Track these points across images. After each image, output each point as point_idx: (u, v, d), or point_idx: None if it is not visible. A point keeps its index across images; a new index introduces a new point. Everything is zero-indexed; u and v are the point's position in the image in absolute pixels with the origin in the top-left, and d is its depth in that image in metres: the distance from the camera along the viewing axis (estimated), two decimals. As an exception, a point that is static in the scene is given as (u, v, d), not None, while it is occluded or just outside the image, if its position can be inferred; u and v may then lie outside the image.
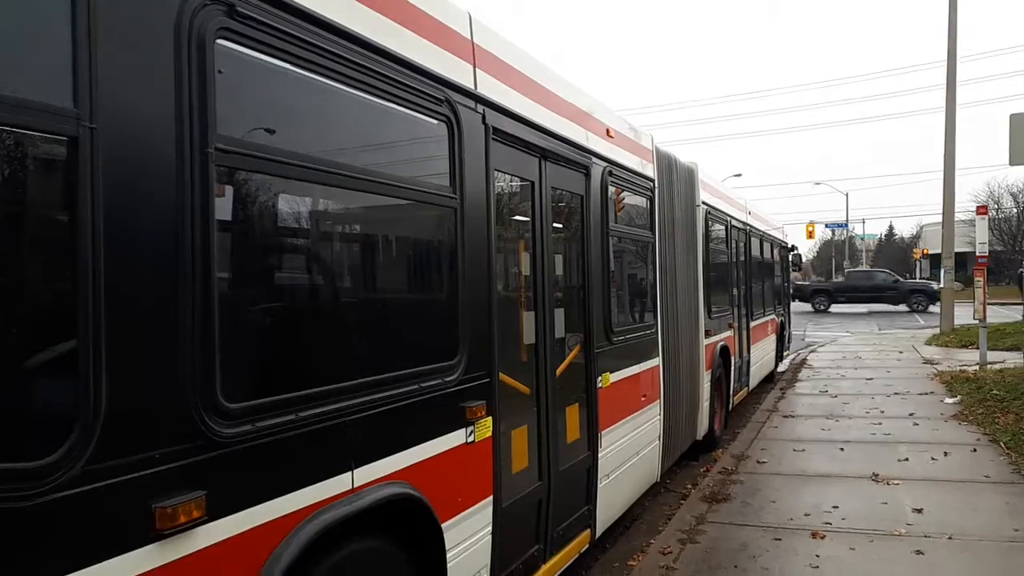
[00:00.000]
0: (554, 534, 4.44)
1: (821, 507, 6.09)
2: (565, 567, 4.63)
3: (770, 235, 14.13)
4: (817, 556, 5.04)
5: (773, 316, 14.11)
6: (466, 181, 3.44)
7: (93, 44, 1.81)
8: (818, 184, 76.91)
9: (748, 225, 11.67)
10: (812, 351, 19.16)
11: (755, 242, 12.33)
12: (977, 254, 15.11)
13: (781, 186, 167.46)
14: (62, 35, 1.76)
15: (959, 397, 10.83)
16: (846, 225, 63.07)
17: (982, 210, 15.84)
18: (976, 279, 15.04)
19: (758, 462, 7.68)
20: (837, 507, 6.07)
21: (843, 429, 9.20)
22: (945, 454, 7.69)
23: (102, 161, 1.83)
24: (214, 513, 2.10)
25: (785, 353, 16.24)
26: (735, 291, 10.38)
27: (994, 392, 10.60)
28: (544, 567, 4.32)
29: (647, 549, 5.38)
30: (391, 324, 3.15)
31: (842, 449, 8.12)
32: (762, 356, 12.67)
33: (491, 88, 3.74)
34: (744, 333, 10.91)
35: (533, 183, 4.35)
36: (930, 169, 65.76)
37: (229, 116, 2.21)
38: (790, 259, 17.45)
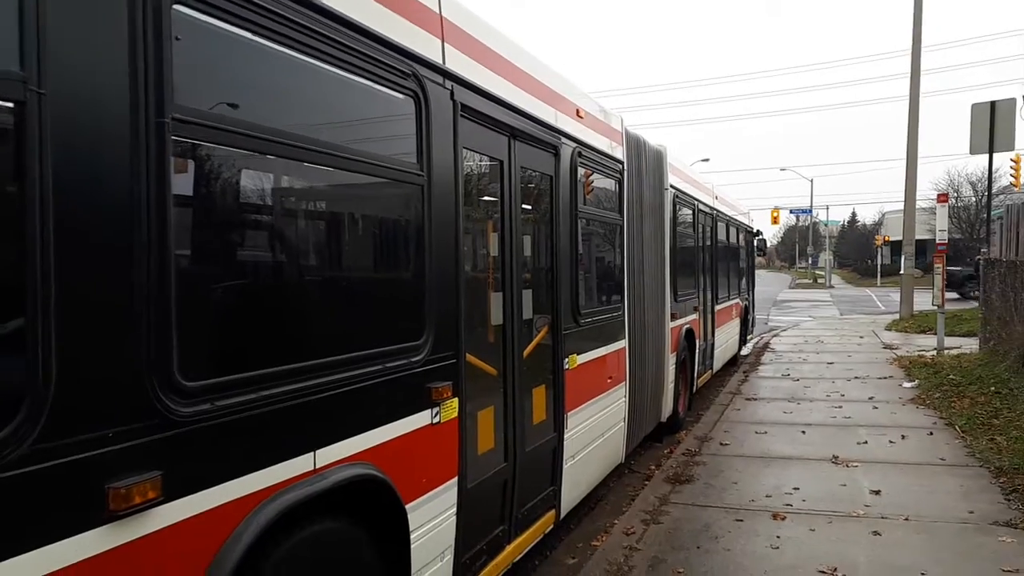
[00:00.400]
0: (519, 515, 4.44)
1: (782, 489, 6.18)
2: (529, 547, 4.63)
3: (736, 220, 14.25)
4: (778, 537, 5.11)
5: (738, 300, 14.27)
6: (434, 158, 3.37)
7: (41, 4, 1.72)
8: (784, 170, 77.86)
9: (715, 210, 11.74)
10: (775, 335, 19.44)
11: (721, 227, 12.43)
12: (937, 241, 15.41)
13: (748, 171, 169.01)
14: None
15: (917, 381, 11.06)
16: (810, 211, 63.86)
17: (942, 198, 16.15)
18: (936, 266, 15.31)
19: (721, 444, 7.77)
20: (798, 489, 6.16)
21: (804, 412, 9.35)
22: (903, 437, 7.84)
23: (51, 129, 1.75)
24: (171, 494, 2.04)
25: (749, 337, 16.47)
26: (701, 275, 10.45)
27: (950, 377, 10.84)
28: (508, 547, 4.32)
29: (611, 529, 5.42)
30: (355, 303, 3.09)
31: (803, 432, 8.24)
32: (726, 339, 12.82)
33: (460, 64, 3.66)
34: (709, 317, 11.01)
35: (502, 162, 4.30)
36: (893, 157, 66.73)
37: (187, 85, 2.12)
38: (755, 244, 17.67)
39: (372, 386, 2.93)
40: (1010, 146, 14.49)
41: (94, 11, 1.88)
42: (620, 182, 6.59)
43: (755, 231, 17.38)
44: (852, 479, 6.42)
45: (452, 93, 3.58)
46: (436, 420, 3.39)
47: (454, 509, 3.57)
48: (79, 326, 1.83)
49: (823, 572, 4.52)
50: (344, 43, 2.77)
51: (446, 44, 3.54)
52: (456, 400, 3.54)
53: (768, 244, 25.55)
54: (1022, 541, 4.91)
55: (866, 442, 7.70)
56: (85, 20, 1.86)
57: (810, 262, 73.69)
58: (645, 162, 7.48)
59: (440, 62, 3.48)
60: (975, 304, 17.41)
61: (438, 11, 3.51)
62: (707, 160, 44.34)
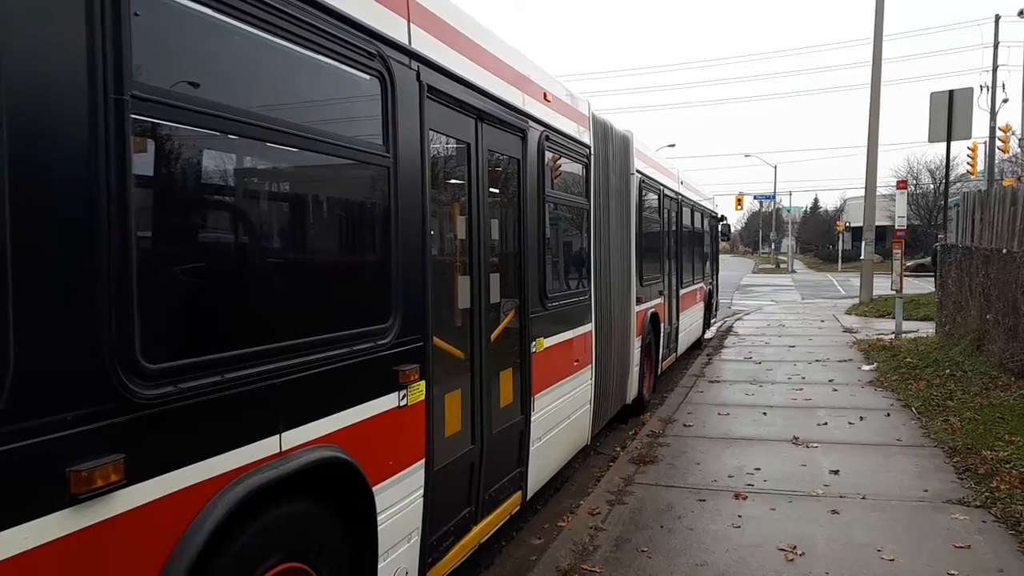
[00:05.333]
0: (486, 496, 4.48)
1: (744, 469, 6.29)
2: (496, 528, 4.68)
3: (701, 205, 14.36)
4: (739, 516, 5.21)
5: (702, 284, 14.45)
6: (400, 140, 3.33)
7: None
8: (748, 156, 78.63)
9: (680, 195, 11.82)
10: (738, 319, 19.69)
11: (686, 212, 12.53)
12: (896, 227, 15.67)
13: (713, 157, 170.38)
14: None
15: (875, 364, 11.29)
16: (774, 197, 64.61)
17: (902, 185, 16.41)
18: (895, 251, 15.60)
19: (684, 425, 7.88)
20: (759, 469, 6.27)
21: (766, 394, 9.51)
22: (861, 418, 8.02)
23: (5, 104, 1.70)
24: (134, 477, 2.02)
25: (713, 320, 16.69)
26: (666, 259, 10.57)
27: (908, 360, 11.09)
28: (475, 529, 4.35)
29: (576, 510, 5.47)
30: (320, 286, 3.06)
31: (765, 414, 8.38)
32: (691, 323, 12.99)
33: (426, 45, 3.63)
34: (674, 301, 11.12)
35: (469, 145, 4.28)
36: (855, 144, 67.62)
37: (146, 62, 2.08)
38: (719, 229, 17.86)
39: (338, 369, 2.91)
40: (967, 134, 14.79)
41: None
42: (587, 167, 6.62)
43: (719, 216, 17.57)
44: (812, 459, 6.55)
45: (418, 74, 3.54)
46: (403, 403, 3.38)
47: (421, 491, 3.58)
48: (37, 309, 1.80)
49: (783, 550, 4.62)
50: (307, 21, 2.72)
51: (412, 25, 3.50)
52: (423, 383, 3.53)
53: (732, 229, 25.87)
54: (974, 518, 5.06)
55: (826, 423, 7.86)
56: None
57: (773, 247, 74.74)
58: (612, 147, 7.52)
59: (406, 43, 3.44)
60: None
61: None
62: (673, 146, 44.52)
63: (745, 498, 5.58)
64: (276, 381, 2.58)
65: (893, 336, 14.03)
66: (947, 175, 17.34)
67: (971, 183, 35.37)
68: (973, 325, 10.65)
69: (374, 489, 3.12)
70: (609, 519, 5.18)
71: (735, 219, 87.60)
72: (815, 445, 7.00)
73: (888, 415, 8.19)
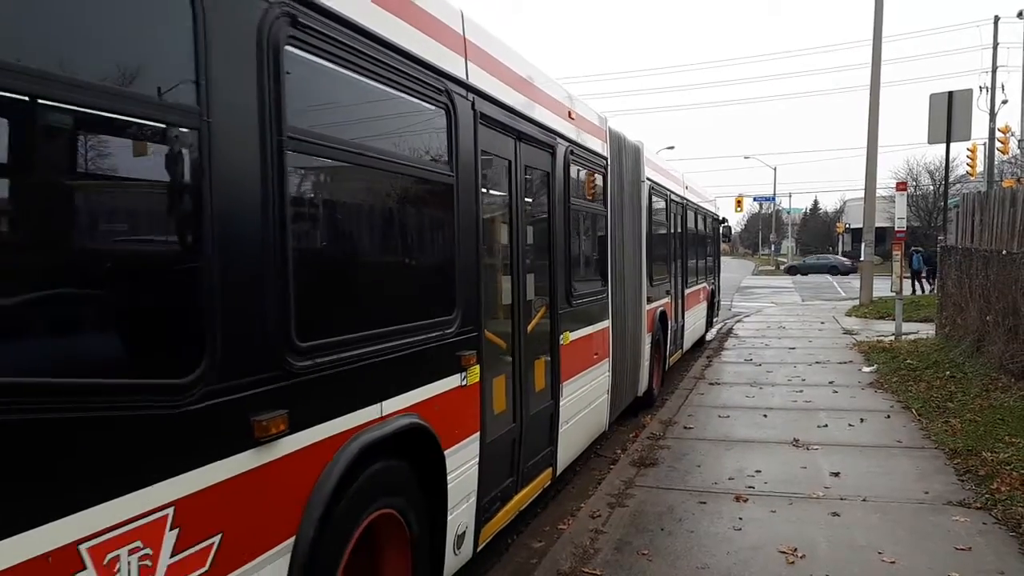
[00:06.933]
0: (524, 469, 5.05)
1: (744, 471, 6.29)
2: (531, 500, 5.25)
3: (703, 208, 14.64)
4: (740, 519, 5.21)
5: (705, 284, 14.72)
6: (460, 161, 3.95)
7: (207, 59, 2.22)
8: (747, 158, 78.58)
9: (685, 199, 12.18)
10: (738, 321, 19.70)
11: (691, 215, 12.90)
12: (896, 229, 15.66)
13: (713, 159, 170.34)
14: (185, 54, 2.18)
15: (876, 366, 11.30)
16: (773, 199, 64.70)
17: (901, 186, 16.42)
18: (894, 253, 15.60)
19: (685, 427, 7.88)
20: (759, 471, 6.28)
21: (766, 396, 9.51)
22: (861, 420, 8.02)
23: (213, 148, 2.27)
24: (292, 428, 2.59)
25: (715, 319, 16.87)
26: (672, 261, 10.98)
27: (908, 362, 11.09)
28: (516, 497, 4.93)
29: (577, 513, 5.47)
30: (411, 283, 3.75)
31: (765, 416, 8.39)
32: (695, 321, 13.34)
33: (479, 77, 4.25)
34: (680, 300, 11.46)
35: (509, 162, 4.85)
36: (854, 146, 67.63)
37: (298, 110, 2.65)
38: (720, 231, 18.05)
39: (419, 351, 3.53)
40: (967, 136, 14.80)
41: (237, 57, 2.37)
42: (605, 176, 7.17)
43: (720, 219, 17.89)
44: (812, 462, 6.56)
45: (473, 104, 4.16)
46: (464, 383, 3.99)
47: (477, 459, 4.17)
48: (234, 304, 2.36)
49: (784, 552, 4.62)
50: (397, 67, 3.32)
51: (468, 62, 4.13)
52: (478, 367, 4.14)
53: (732, 231, 25.94)
54: (975, 520, 5.06)
55: (826, 425, 7.86)
56: (230, 64, 2.34)
57: (773, 249, 74.70)
58: (625, 157, 8.01)
59: (464, 78, 4.06)
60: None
61: (462, 33, 4.09)
62: (672, 148, 44.64)
63: (746, 500, 5.59)
64: (381, 359, 3.19)
65: (893, 338, 14.03)
66: (947, 176, 17.41)
67: (971, 184, 35.40)
68: (973, 326, 10.65)
69: (445, 453, 3.70)
70: (610, 522, 5.18)
71: (735, 221, 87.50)
72: (815, 447, 7.01)
73: (888, 417, 8.19)
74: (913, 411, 8.31)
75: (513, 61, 4.90)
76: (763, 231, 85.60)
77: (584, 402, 6.34)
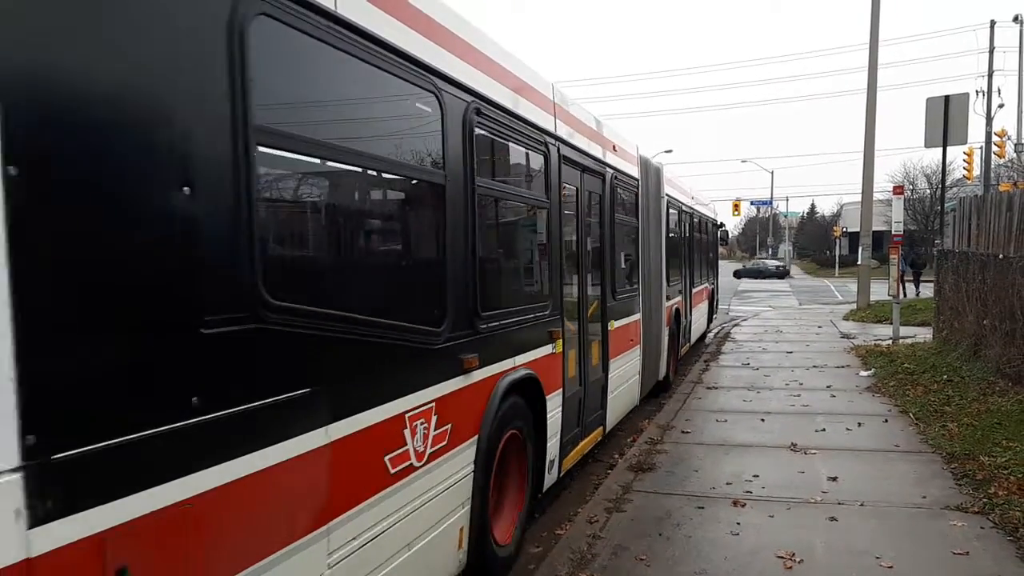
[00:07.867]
0: (586, 422, 6.58)
1: (742, 476, 6.29)
2: (589, 449, 6.82)
3: (705, 214, 15.52)
4: (738, 524, 5.21)
5: (707, 284, 15.90)
6: (551, 191, 5.54)
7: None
8: (745, 162, 78.66)
9: (692, 208, 13.40)
10: (735, 325, 19.70)
11: (696, 221, 14.05)
12: (893, 232, 15.67)
13: (710, 163, 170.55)
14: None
15: (873, 370, 11.30)
16: (771, 203, 64.78)
17: (898, 190, 16.44)
18: (891, 257, 15.61)
19: (682, 432, 7.88)
20: (757, 476, 6.28)
21: (764, 400, 9.52)
22: (859, 425, 8.03)
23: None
24: (480, 365, 4.17)
25: (714, 316, 17.64)
26: (683, 263, 12.36)
27: (905, 366, 11.09)
28: (581, 443, 6.49)
29: (575, 518, 5.47)
30: (528, 280, 5.51)
31: (763, 420, 8.39)
32: (699, 318, 14.72)
33: (562, 130, 5.84)
34: (688, 298, 12.85)
35: (576, 188, 6.37)
36: (851, 150, 67.78)
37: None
38: (719, 235, 18.50)
39: (531, 326, 5.09)
40: (963, 140, 14.77)
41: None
42: (636, 195, 8.81)
43: (719, 223, 18.73)
44: (810, 466, 6.56)
45: (559, 149, 5.73)
46: (553, 351, 5.51)
47: (560, 409, 5.69)
48: (456, 292, 3.94)
49: (782, 557, 4.62)
50: (522, 131, 4.99)
51: (557, 119, 5.72)
52: (560, 341, 5.64)
53: (730, 235, 26.07)
54: (972, 525, 5.07)
55: (824, 430, 7.87)
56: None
57: (770, 252, 74.73)
58: (650, 177, 9.59)
59: (553, 131, 5.62)
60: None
61: (552, 98, 5.66)
62: (670, 151, 44.72)
63: (743, 505, 5.58)
64: (514, 329, 4.76)
65: (891, 342, 14.02)
66: (943, 180, 17.37)
67: (967, 188, 35.45)
68: (970, 330, 10.65)
69: (547, 398, 5.31)
70: (607, 527, 5.18)
71: (732, 225, 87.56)
72: (813, 451, 7.01)
73: (886, 421, 8.20)
74: (911, 415, 8.31)
75: (580, 114, 6.51)
76: (760, 235, 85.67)
77: (624, 378, 7.92)
